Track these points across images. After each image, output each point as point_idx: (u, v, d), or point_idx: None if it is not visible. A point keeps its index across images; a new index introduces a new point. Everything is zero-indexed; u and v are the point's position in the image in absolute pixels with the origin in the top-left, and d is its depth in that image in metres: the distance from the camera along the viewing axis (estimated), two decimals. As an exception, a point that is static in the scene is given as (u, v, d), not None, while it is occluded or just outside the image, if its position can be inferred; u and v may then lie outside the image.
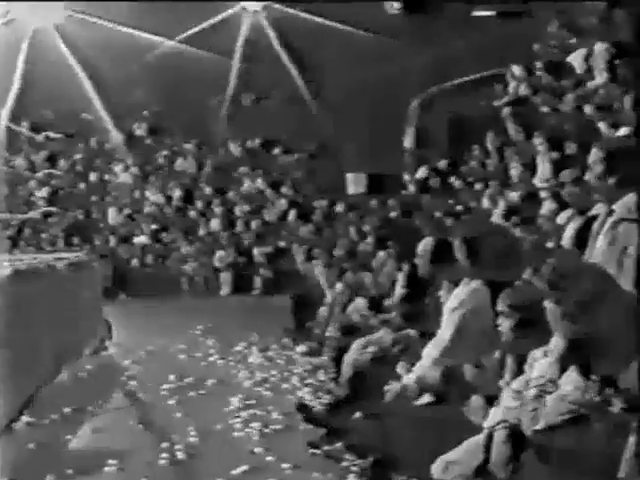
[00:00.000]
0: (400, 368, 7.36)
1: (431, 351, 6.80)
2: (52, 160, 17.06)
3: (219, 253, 16.14)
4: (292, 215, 16.38)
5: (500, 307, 6.45)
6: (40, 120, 16.98)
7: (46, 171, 16.69)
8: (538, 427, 5.41)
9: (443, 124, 16.06)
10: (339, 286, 12.93)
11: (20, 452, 6.91)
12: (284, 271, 16.15)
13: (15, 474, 6.45)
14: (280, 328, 13.14)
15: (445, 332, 6.71)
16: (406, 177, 15.80)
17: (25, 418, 7.61)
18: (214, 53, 16.74)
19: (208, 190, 16.54)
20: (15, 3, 16.28)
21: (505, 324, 6.50)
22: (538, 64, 13.60)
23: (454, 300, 6.72)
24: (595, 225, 6.11)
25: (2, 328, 6.76)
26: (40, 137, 16.80)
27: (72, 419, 7.91)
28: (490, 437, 5.69)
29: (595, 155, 5.96)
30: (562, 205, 10.08)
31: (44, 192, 16.56)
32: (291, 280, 15.87)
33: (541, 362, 5.87)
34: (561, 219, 9.37)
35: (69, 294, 9.50)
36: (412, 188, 15.80)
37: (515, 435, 5.60)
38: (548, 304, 5.45)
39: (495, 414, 5.86)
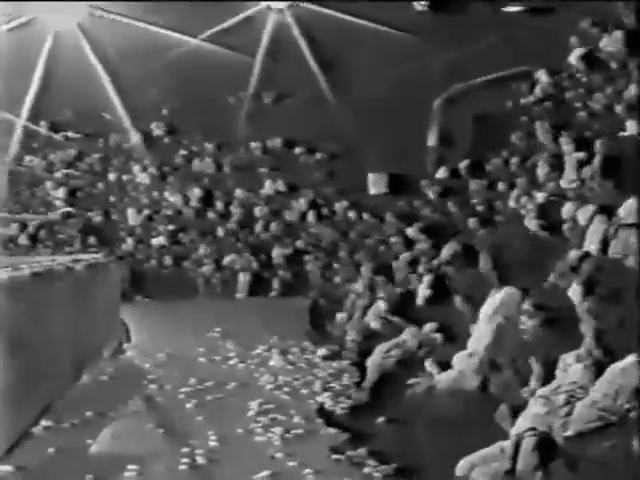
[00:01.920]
0: (429, 366, 7.25)
1: (468, 359, 6.69)
2: (71, 160, 17.05)
3: (234, 256, 16.08)
4: (312, 216, 16.27)
5: (525, 307, 6.36)
6: (59, 120, 16.97)
7: (64, 171, 16.66)
8: (568, 434, 5.28)
9: (467, 123, 15.88)
10: (359, 288, 12.81)
11: (40, 457, 6.84)
12: (303, 273, 16.03)
13: (32, 478, 6.40)
14: (299, 331, 13.02)
15: (483, 340, 6.61)
16: (423, 182, 15.65)
17: (44, 422, 7.54)
18: (237, 52, 16.65)
19: (227, 190, 16.47)
20: (37, 3, 16.30)
21: (529, 323, 6.40)
22: (569, 61, 13.42)
23: (489, 307, 6.61)
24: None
25: (23, 331, 6.69)
26: (59, 137, 16.78)
27: (93, 423, 7.83)
28: (518, 444, 5.57)
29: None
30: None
31: (61, 192, 16.55)
32: (310, 282, 15.76)
33: (574, 368, 5.75)
34: (582, 217, 9.23)
35: (88, 296, 9.42)
36: (431, 189, 15.64)
37: (544, 443, 5.46)
38: (579, 303, 5.36)
39: (524, 420, 5.74)
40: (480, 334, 6.77)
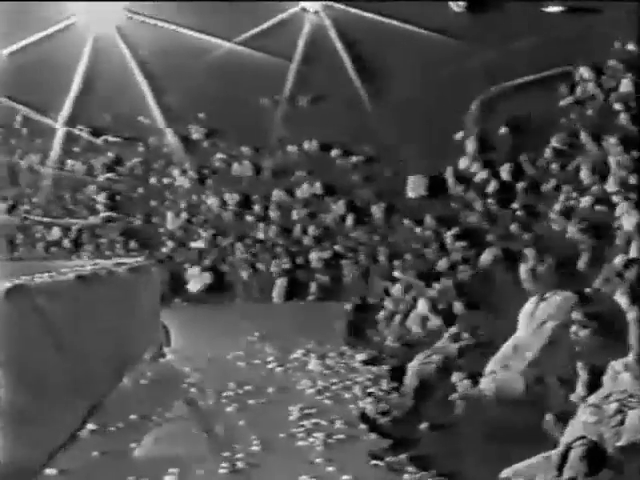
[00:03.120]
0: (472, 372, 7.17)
1: (517, 363, 6.60)
2: (111, 164, 17.19)
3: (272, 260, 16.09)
4: (350, 219, 16.22)
5: (576, 316, 6.25)
6: (99, 124, 17.11)
7: (106, 175, 16.80)
8: (621, 444, 5.17)
9: (506, 124, 15.72)
10: (399, 293, 12.73)
11: (84, 460, 6.87)
12: (340, 277, 15.96)
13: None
14: (337, 335, 12.96)
15: (534, 344, 6.51)
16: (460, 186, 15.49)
17: (90, 426, 7.58)
18: (273, 54, 16.66)
19: (265, 194, 16.48)
20: (76, 7, 16.44)
21: (581, 333, 6.28)
22: (610, 62, 13.22)
23: (542, 312, 6.51)
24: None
25: (68, 334, 6.74)
26: (99, 141, 16.93)
27: (137, 427, 7.87)
28: (566, 453, 5.46)
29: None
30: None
31: (103, 197, 16.68)
32: (348, 286, 15.68)
33: (623, 375, 5.64)
34: (628, 222, 9.06)
35: (130, 299, 9.48)
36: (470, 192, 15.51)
37: (594, 452, 5.36)
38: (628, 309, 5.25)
39: (573, 429, 5.63)
40: (527, 339, 6.66)
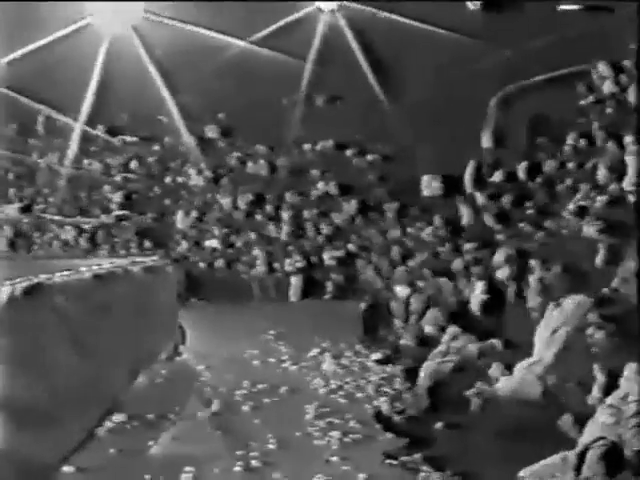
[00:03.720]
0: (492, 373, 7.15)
1: (534, 367, 6.57)
2: (127, 163, 17.26)
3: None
4: (361, 219, 16.21)
5: (591, 318, 6.21)
6: (116, 123, 17.19)
7: (123, 174, 16.87)
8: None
9: (523, 124, 15.65)
10: (412, 292, 12.70)
11: (102, 458, 6.91)
12: (355, 276, 15.96)
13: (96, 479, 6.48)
14: (352, 334, 12.96)
15: (550, 349, 6.48)
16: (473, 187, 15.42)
17: (107, 424, 7.63)
18: (288, 53, 16.66)
19: (280, 193, 16.49)
20: (92, 7, 16.51)
21: (597, 335, 6.24)
22: (626, 62, 13.12)
23: (559, 317, 6.48)
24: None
25: (85, 332, 6.78)
26: (117, 140, 17.00)
27: (154, 425, 7.90)
28: (584, 453, 5.44)
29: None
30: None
31: (119, 196, 16.75)
32: (362, 285, 15.68)
33: (640, 377, 5.59)
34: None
35: (146, 298, 9.50)
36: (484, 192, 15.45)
37: (612, 453, 5.33)
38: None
39: (592, 430, 5.60)
40: (545, 341, 6.63)
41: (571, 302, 6.50)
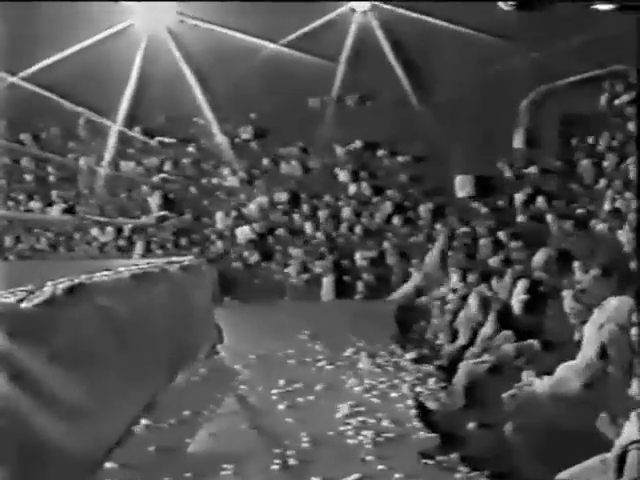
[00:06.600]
0: (526, 376, 7.15)
1: (575, 365, 6.57)
2: (164, 165, 17.45)
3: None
4: (397, 219, 16.23)
5: (636, 318, 6.19)
6: (152, 125, 17.40)
7: (161, 176, 17.06)
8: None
9: (555, 124, 15.58)
10: (448, 292, 12.71)
11: (142, 455, 7.03)
12: (387, 276, 15.99)
13: (136, 476, 6.58)
14: (386, 333, 12.99)
15: (591, 347, 6.47)
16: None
17: (145, 421, 7.75)
18: (321, 54, 16.72)
19: (313, 193, 16.58)
20: (130, 9, 16.68)
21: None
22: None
23: (601, 315, 6.46)
24: None
25: (125, 331, 6.90)
26: (154, 142, 17.20)
27: (190, 423, 8.01)
28: (623, 455, 5.42)
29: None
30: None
31: (157, 197, 16.96)
32: (394, 285, 15.72)
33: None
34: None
35: (183, 298, 9.63)
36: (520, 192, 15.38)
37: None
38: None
39: (630, 431, 5.57)
40: (588, 341, 6.62)
41: (614, 302, 6.48)
